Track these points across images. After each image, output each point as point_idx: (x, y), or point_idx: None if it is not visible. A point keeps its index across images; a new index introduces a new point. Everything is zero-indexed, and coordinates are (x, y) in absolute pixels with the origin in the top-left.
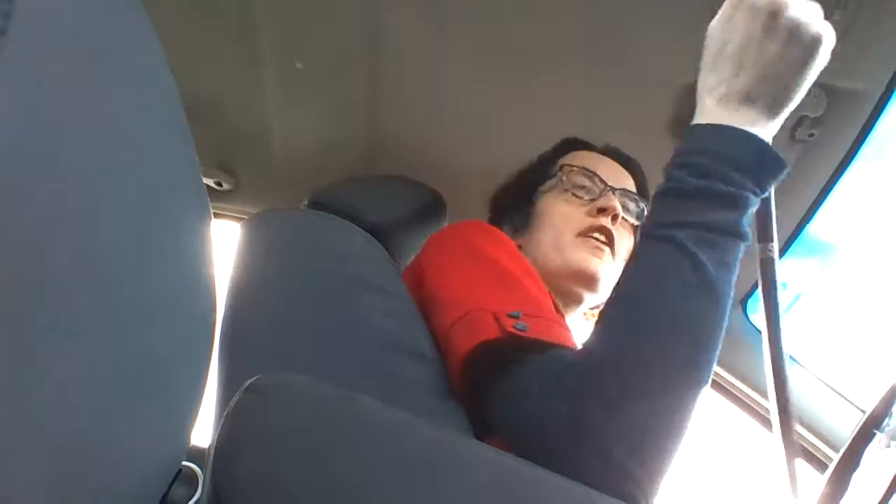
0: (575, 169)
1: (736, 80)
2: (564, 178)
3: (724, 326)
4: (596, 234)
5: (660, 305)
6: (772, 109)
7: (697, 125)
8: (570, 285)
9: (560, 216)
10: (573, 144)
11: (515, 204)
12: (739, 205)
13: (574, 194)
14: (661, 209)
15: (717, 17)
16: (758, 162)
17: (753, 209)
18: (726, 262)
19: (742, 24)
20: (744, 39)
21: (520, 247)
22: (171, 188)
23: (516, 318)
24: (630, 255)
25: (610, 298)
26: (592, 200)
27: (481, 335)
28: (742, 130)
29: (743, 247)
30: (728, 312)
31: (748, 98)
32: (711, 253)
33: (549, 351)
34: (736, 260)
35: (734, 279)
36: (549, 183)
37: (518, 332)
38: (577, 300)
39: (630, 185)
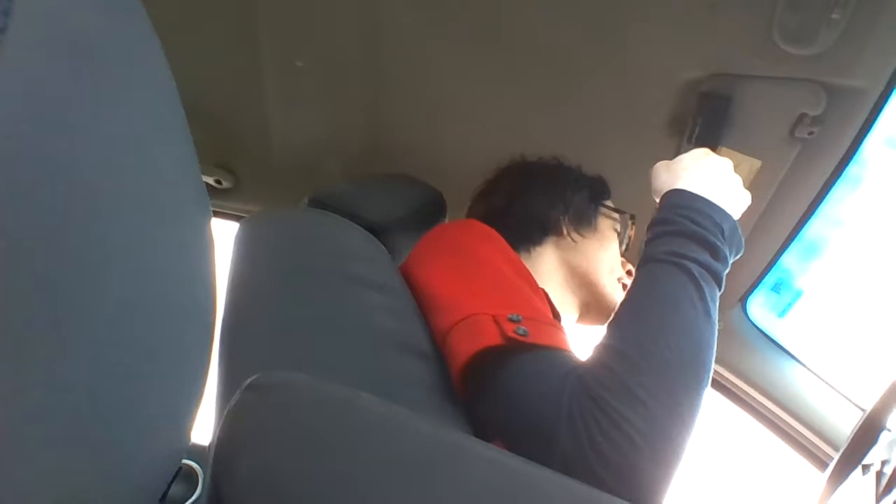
0: (632, 225)
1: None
2: (629, 228)
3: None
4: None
5: (673, 323)
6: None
7: (684, 191)
8: (600, 310)
9: (614, 251)
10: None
11: (579, 203)
12: (722, 258)
13: (620, 240)
14: (666, 242)
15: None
16: (733, 235)
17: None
18: (714, 300)
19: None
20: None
21: (570, 238)
22: (171, 187)
23: (517, 322)
24: (640, 273)
25: (624, 308)
26: (621, 255)
27: (483, 341)
28: (721, 208)
29: (718, 294)
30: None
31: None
32: (708, 289)
33: (551, 354)
34: (717, 301)
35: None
36: (610, 212)
37: (519, 338)
38: (587, 319)
39: None
